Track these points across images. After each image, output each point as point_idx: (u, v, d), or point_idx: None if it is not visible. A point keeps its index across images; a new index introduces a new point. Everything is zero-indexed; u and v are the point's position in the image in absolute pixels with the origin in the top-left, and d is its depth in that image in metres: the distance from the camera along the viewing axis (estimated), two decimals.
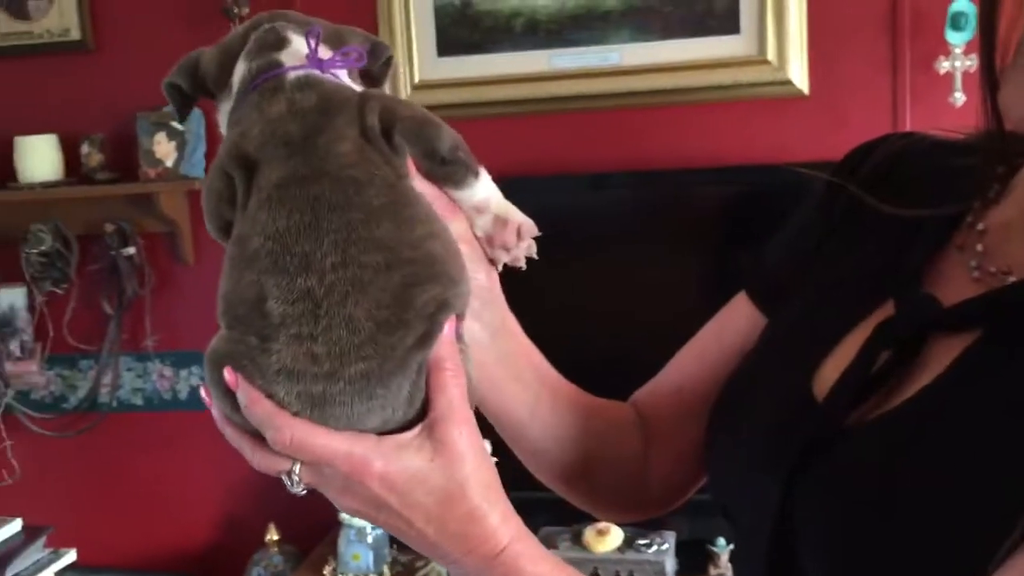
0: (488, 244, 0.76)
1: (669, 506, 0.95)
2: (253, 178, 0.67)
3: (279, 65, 0.69)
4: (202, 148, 2.51)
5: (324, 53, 0.70)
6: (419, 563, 2.35)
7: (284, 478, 0.66)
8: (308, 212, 0.64)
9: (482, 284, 0.77)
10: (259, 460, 0.67)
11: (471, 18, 2.40)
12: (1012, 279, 0.67)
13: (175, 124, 2.47)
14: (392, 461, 0.64)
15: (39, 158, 2.50)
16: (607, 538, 2.20)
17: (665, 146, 2.36)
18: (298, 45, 0.70)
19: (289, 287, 0.63)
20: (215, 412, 0.68)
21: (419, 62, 2.42)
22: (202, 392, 0.69)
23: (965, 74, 2.16)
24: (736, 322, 0.87)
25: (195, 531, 2.78)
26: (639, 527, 2.22)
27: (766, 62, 2.28)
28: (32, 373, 2.69)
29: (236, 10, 2.35)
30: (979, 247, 0.71)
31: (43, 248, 2.59)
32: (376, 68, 0.75)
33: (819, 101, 2.29)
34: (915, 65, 2.24)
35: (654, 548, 2.20)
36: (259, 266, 0.64)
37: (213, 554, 2.77)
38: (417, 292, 0.65)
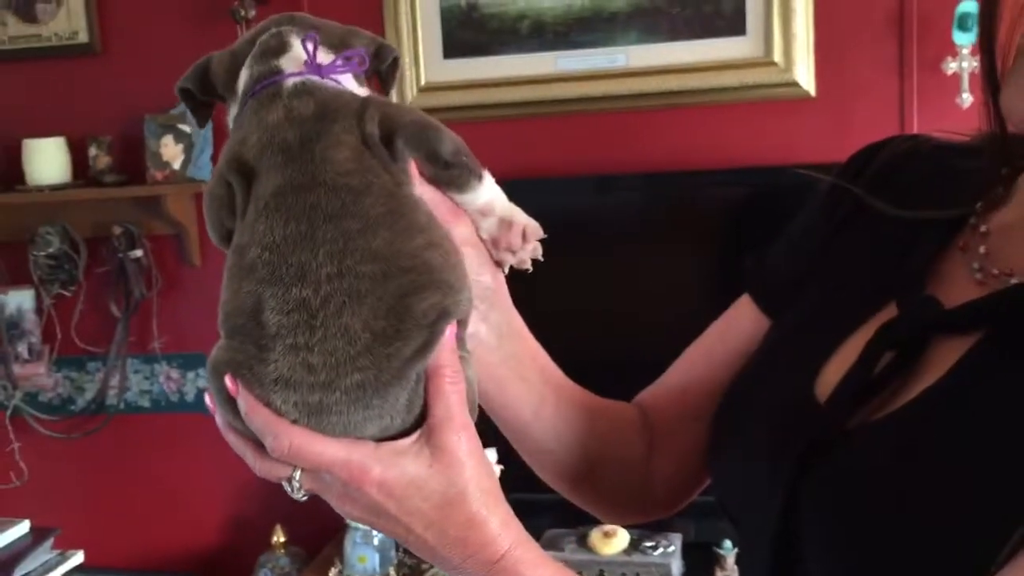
0: (494, 246, 0.76)
1: (673, 508, 0.95)
2: (251, 186, 0.67)
3: (278, 71, 0.69)
4: (209, 151, 2.52)
5: (326, 57, 0.70)
6: (425, 566, 2.35)
7: (285, 484, 0.67)
8: (304, 222, 0.64)
9: (488, 286, 0.77)
10: (261, 467, 0.67)
11: (477, 20, 2.40)
12: (1015, 281, 0.67)
13: (182, 127, 2.48)
14: (390, 467, 0.64)
15: (47, 160, 2.51)
16: (613, 540, 2.20)
17: (671, 148, 2.36)
18: (298, 50, 0.70)
19: (284, 297, 0.63)
20: (219, 419, 0.68)
21: (425, 64, 2.42)
22: (206, 398, 0.69)
23: (972, 75, 2.15)
24: (740, 324, 0.87)
25: (202, 533, 2.78)
26: (645, 529, 2.22)
27: (773, 64, 2.28)
28: (40, 375, 2.70)
29: (243, 13, 2.35)
30: (982, 249, 0.71)
31: (51, 250, 2.60)
32: (383, 70, 0.75)
33: (826, 103, 2.29)
34: (922, 66, 2.23)
35: (660, 550, 2.19)
36: (257, 276, 0.64)
37: (220, 556, 2.78)
38: (416, 301, 0.64)
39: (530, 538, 0.68)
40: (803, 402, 0.72)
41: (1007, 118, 0.67)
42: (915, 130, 2.00)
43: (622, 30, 2.35)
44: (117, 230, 2.58)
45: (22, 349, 2.68)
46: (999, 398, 0.62)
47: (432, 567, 2.31)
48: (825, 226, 0.83)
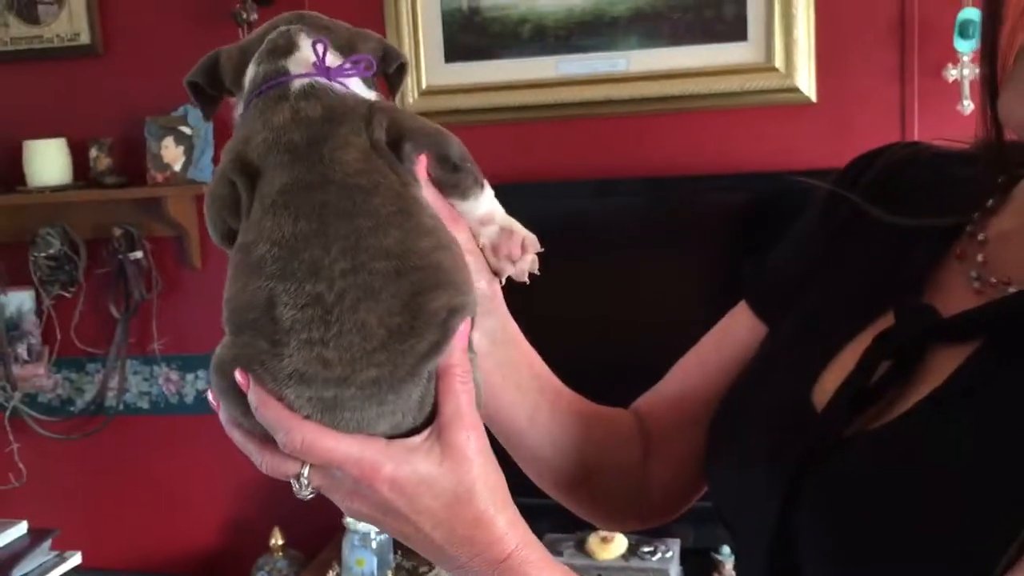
0: (494, 254, 0.77)
1: (670, 515, 0.94)
2: (256, 185, 0.67)
3: (285, 72, 0.69)
4: (210, 152, 2.52)
5: (334, 60, 0.71)
6: (423, 568, 2.35)
7: (293, 482, 0.66)
8: (315, 219, 0.64)
9: (484, 292, 0.77)
10: (268, 463, 0.66)
11: (479, 24, 2.40)
12: (1012, 289, 0.67)
13: (183, 129, 2.48)
14: (401, 465, 0.64)
15: (48, 162, 2.52)
16: (611, 545, 2.20)
17: (672, 152, 2.36)
18: (306, 52, 0.70)
19: (298, 292, 0.63)
20: (223, 416, 0.68)
21: (426, 68, 2.42)
22: (209, 396, 0.69)
23: (973, 82, 2.15)
24: (737, 331, 0.87)
25: (200, 535, 2.78)
26: (643, 535, 2.22)
27: (774, 69, 2.28)
28: (39, 376, 2.70)
29: (245, 15, 2.35)
30: (979, 257, 0.71)
31: (51, 252, 2.60)
32: (390, 74, 0.75)
33: (827, 108, 2.29)
34: (923, 73, 2.23)
35: (658, 556, 2.19)
36: (266, 272, 0.64)
37: (218, 558, 2.77)
38: (428, 299, 0.65)
39: (536, 539, 0.68)
40: (800, 410, 0.72)
41: (1005, 123, 0.67)
42: (915, 137, 2.00)
43: (623, 35, 2.35)
44: (117, 232, 2.58)
45: (22, 350, 2.69)
46: (997, 407, 0.61)
47: (431, 571, 2.31)
48: (822, 233, 0.83)
